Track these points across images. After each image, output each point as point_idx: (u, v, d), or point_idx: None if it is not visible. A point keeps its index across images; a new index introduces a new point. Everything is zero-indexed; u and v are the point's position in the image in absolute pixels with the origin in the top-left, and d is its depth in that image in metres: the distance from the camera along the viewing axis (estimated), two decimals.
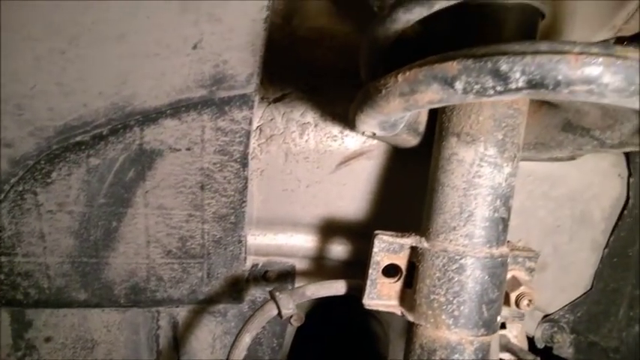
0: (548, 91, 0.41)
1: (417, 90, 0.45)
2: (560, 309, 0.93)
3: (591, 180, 0.85)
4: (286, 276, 0.87)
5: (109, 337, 0.85)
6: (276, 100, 0.78)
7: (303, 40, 0.78)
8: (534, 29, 0.64)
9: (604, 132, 0.61)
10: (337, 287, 0.72)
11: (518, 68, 0.40)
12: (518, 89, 0.41)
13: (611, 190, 0.87)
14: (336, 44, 0.78)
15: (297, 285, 0.88)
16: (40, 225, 0.73)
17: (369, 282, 0.66)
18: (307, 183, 0.80)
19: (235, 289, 0.83)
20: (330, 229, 0.84)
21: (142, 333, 0.86)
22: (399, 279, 0.67)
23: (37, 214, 0.73)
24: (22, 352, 0.83)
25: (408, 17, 0.50)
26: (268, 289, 0.87)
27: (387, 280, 0.67)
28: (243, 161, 0.74)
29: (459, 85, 0.43)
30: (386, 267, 0.66)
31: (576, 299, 0.93)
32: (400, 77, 0.46)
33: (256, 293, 0.86)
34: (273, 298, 0.67)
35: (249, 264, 0.85)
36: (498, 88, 0.41)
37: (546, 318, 0.94)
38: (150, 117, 0.71)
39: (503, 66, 0.41)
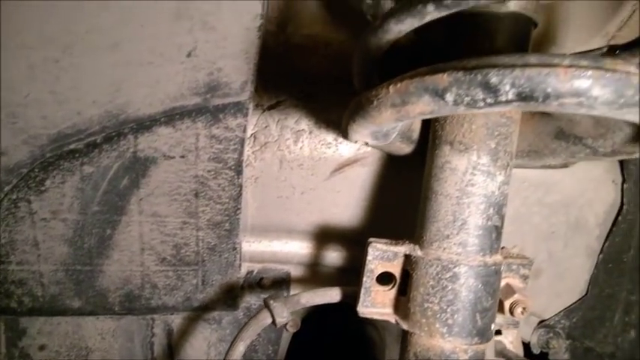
0: (538, 104, 0.41)
1: (408, 101, 0.45)
2: (556, 315, 0.94)
3: (585, 186, 0.86)
4: (281, 283, 0.87)
5: (103, 344, 0.85)
6: (271, 108, 0.78)
7: (297, 47, 0.78)
8: (527, 38, 0.64)
9: (596, 140, 0.61)
10: (332, 295, 0.72)
11: (507, 81, 0.40)
12: (508, 101, 0.41)
13: (605, 196, 0.87)
14: (331, 52, 0.78)
15: (292, 291, 0.88)
16: (34, 233, 0.73)
17: (363, 290, 0.66)
18: (302, 190, 0.80)
19: (230, 296, 0.83)
20: (324, 236, 0.84)
21: (137, 340, 0.86)
22: (393, 286, 0.67)
23: (31, 222, 0.73)
24: None
25: (399, 28, 0.50)
26: (263, 295, 0.87)
27: (381, 288, 0.67)
28: (238, 169, 0.74)
29: (449, 97, 0.43)
30: (380, 275, 0.66)
31: (572, 305, 0.93)
32: (391, 88, 0.46)
33: (251, 300, 0.86)
34: (267, 306, 0.66)
35: (244, 271, 0.85)
36: (488, 101, 0.42)
37: (542, 324, 0.95)
38: (144, 125, 0.71)
39: (493, 78, 0.41)
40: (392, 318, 0.66)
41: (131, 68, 0.67)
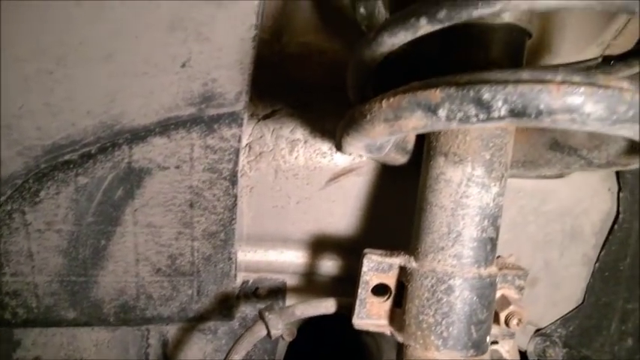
0: (531, 120, 0.41)
1: (401, 116, 0.45)
2: (552, 323, 0.93)
3: (581, 195, 0.86)
4: (277, 292, 0.86)
5: (98, 355, 0.84)
6: (266, 117, 0.78)
7: (292, 56, 0.78)
8: (522, 49, 0.64)
9: (591, 152, 0.61)
10: (327, 306, 0.71)
11: (500, 97, 0.40)
12: (500, 117, 0.41)
13: (601, 205, 0.87)
14: (326, 60, 0.78)
15: (288, 301, 0.88)
16: (29, 244, 0.73)
17: (358, 302, 0.66)
18: (297, 199, 0.80)
19: (225, 306, 0.83)
20: (320, 245, 0.84)
21: (132, 351, 0.85)
22: (388, 298, 0.67)
23: (26, 233, 0.72)
24: None
25: (393, 41, 0.50)
26: (259, 305, 0.86)
27: (376, 300, 0.67)
28: (233, 179, 0.74)
29: (442, 113, 0.43)
30: (375, 285, 0.66)
31: (568, 313, 0.93)
32: (384, 103, 0.46)
33: (247, 310, 0.86)
34: (262, 318, 0.66)
35: (239, 281, 0.85)
36: (481, 117, 0.42)
37: (538, 332, 0.94)
38: (139, 135, 0.71)
39: (486, 95, 0.41)
40: (387, 330, 0.66)
41: (125, 79, 0.67)
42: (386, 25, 0.49)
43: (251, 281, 0.86)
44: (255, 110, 0.79)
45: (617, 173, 0.87)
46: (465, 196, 0.60)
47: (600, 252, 0.89)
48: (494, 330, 0.66)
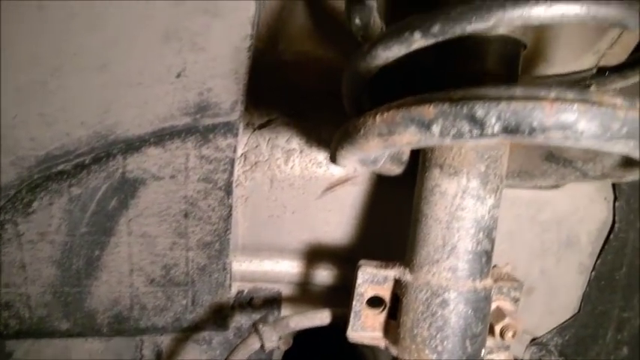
0: (524, 137, 0.40)
1: (394, 131, 0.45)
2: (548, 332, 0.93)
3: (577, 204, 0.85)
4: (272, 302, 0.86)
5: None
6: (262, 127, 0.78)
7: (288, 65, 0.78)
8: (516, 60, 0.64)
9: (586, 164, 0.61)
10: (322, 317, 0.71)
11: (493, 114, 0.40)
12: (494, 134, 0.41)
13: (597, 214, 0.87)
14: (322, 69, 0.78)
15: (283, 311, 0.87)
16: (21, 255, 0.72)
17: (352, 314, 0.66)
18: (293, 209, 0.80)
19: (220, 316, 0.82)
20: (316, 255, 0.84)
21: None
22: (383, 310, 0.67)
23: (18, 244, 0.72)
24: None
25: (387, 54, 0.50)
26: (254, 315, 0.86)
27: (371, 312, 0.67)
28: (228, 189, 0.74)
29: (435, 129, 0.43)
30: (370, 297, 0.66)
31: (564, 322, 0.93)
32: (378, 118, 0.46)
33: (242, 320, 0.86)
34: (256, 330, 0.66)
35: (234, 291, 0.85)
36: (475, 133, 0.41)
37: (534, 341, 0.94)
38: (133, 145, 0.70)
39: (479, 111, 0.41)
40: (382, 342, 0.65)
41: (120, 89, 0.67)
42: (380, 39, 0.49)
43: (246, 291, 0.85)
44: (251, 119, 0.79)
45: (613, 183, 0.87)
46: (460, 208, 0.60)
47: (596, 261, 0.89)
48: (489, 342, 0.66)
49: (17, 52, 0.61)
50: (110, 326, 0.79)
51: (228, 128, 0.71)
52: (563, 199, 0.85)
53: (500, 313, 0.67)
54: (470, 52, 0.62)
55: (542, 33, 0.81)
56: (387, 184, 0.78)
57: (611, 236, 0.87)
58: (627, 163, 0.57)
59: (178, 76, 0.67)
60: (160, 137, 0.70)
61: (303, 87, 0.81)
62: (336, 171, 0.78)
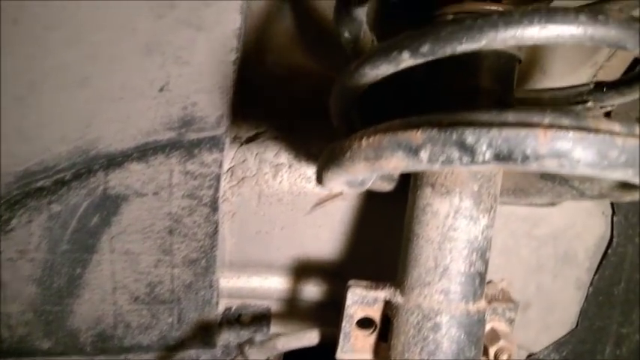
0: (517, 165, 0.38)
1: (381, 156, 0.43)
2: (545, 348, 0.91)
3: (574, 219, 0.83)
4: (261, 319, 0.84)
5: None
6: (249, 140, 0.75)
7: (276, 78, 0.76)
8: (511, 74, 0.62)
9: (583, 183, 0.59)
10: (310, 337, 0.69)
11: (484, 141, 0.38)
12: (485, 162, 0.39)
13: (595, 229, 0.85)
14: (311, 82, 0.76)
15: (272, 327, 0.85)
16: (0, 273, 0.70)
17: (342, 335, 0.64)
18: (282, 225, 0.77)
19: (207, 334, 0.80)
20: (306, 271, 0.82)
21: None
22: (373, 331, 0.65)
23: None
24: None
25: (375, 73, 0.47)
26: (242, 332, 0.84)
27: (361, 333, 0.65)
28: (214, 205, 0.71)
29: (424, 155, 0.40)
30: (360, 318, 0.64)
31: (561, 338, 0.91)
32: (364, 142, 0.44)
33: (230, 337, 0.83)
34: (242, 352, 0.64)
35: (222, 307, 0.82)
36: (465, 160, 0.39)
37: (531, 357, 0.92)
38: (115, 161, 0.68)
39: (469, 138, 0.38)
40: None
41: (101, 104, 0.64)
42: (368, 58, 0.46)
43: (234, 308, 0.83)
44: (238, 133, 0.76)
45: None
46: (453, 229, 0.58)
47: (594, 276, 0.87)
48: None
49: None
50: (94, 345, 0.77)
51: (214, 143, 0.69)
52: (560, 213, 0.83)
53: (494, 335, 0.65)
54: (463, 67, 0.60)
55: (538, 45, 0.79)
56: (378, 199, 0.76)
57: (610, 251, 0.85)
58: (626, 184, 0.55)
59: (161, 90, 0.64)
60: (143, 152, 0.68)
61: (292, 99, 0.79)
62: None
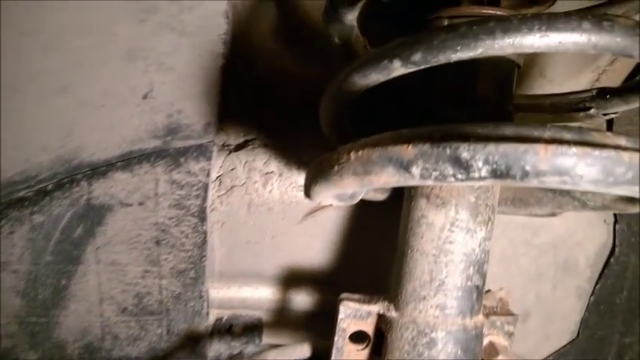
0: (516, 181, 0.36)
1: (371, 171, 0.40)
2: (545, 358, 0.89)
3: (575, 227, 0.81)
4: (253, 329, 0.81)
5: None
6: (238, 148, 0.73)
7: (266, 84, 0.73)
8: (510, 80, 0.59)
9: (585, 194, 0.57)
10: (302, 351, 0.67)
11: (480, 157, 0.35)
12: (481, 178, 0.36)
13: (596, 237, 0.82)
14: (301, 88, 0.73)
15: (264, 338, 0.83)
16: None
17: (334, 350, 0.61)
18: (272, 234, 0.75)
19: (197, 345, 0.78)
20: (298, 281, 0.79)
21: None
22: (367, 346, 0.62)
23: None
24: None
25: (365, 82, 0.45)
26: (234, 343, 0.82)
27: (354, 347, 0.62)
28: (202, 215, 0.69)
29: (415, 170, 0.38)
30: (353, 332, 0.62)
31: (562, 348, 0.88)
32: (353, 155, 0.41)
33: (221, 348, 0.81)
34: None
35: (212, 318, 0.80)
36: (459, 177, 0.37)
37: None
38: (99, 170, 0.66)
39: (464, 153, 0.36)
40: None
41: (83, 111, 0.62)
42: (357, 67, 0.44)
43: (225, 318, 0.81)
44: (227, 140, 0.73)
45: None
46: (449, 241, 0.55)
47: (595, 285, 0.84)
48: None
49: None
50: (81, 357, 0.75)
51: (201, 151, 0.66)
52: (561, 221, 0.80)
53: (493, 350, 0.62)
54: (459, 72, 0.57)
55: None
56: (372, 209, 0.74)
57: (612, 260, 0.83)
58: (631, 197, 0.52)
59: (145, 97, 0.62)
60: (128, 161, 0.65)
61: (282, 105, 0.76)
62: None
